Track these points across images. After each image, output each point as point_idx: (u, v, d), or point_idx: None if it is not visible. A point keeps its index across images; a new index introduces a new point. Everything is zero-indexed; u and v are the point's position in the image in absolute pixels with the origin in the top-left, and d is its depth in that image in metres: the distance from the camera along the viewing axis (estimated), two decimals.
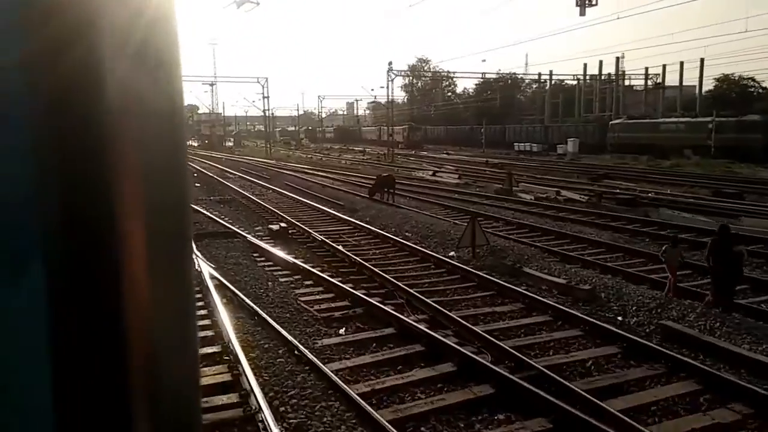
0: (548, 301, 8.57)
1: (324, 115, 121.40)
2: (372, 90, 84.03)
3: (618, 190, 21.45)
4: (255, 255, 11.76)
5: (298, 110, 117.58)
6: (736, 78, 65.50)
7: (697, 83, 64.18)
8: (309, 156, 52.62)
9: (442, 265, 11.17)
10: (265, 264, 11.02)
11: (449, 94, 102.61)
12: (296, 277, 10.10)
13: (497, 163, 38.20)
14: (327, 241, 12.77)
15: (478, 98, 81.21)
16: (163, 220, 0.50)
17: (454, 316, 7.98)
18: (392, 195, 20.10)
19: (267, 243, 12.82)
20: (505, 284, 9.52)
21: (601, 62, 66.24)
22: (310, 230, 14.22)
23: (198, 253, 10.86)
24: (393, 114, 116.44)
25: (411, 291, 9.06)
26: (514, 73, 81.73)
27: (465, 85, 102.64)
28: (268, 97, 49.63)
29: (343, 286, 9.30)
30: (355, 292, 8.98)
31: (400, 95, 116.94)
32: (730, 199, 18.92)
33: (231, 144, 79.41)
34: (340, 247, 12.12)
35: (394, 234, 14.08)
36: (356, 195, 21.88)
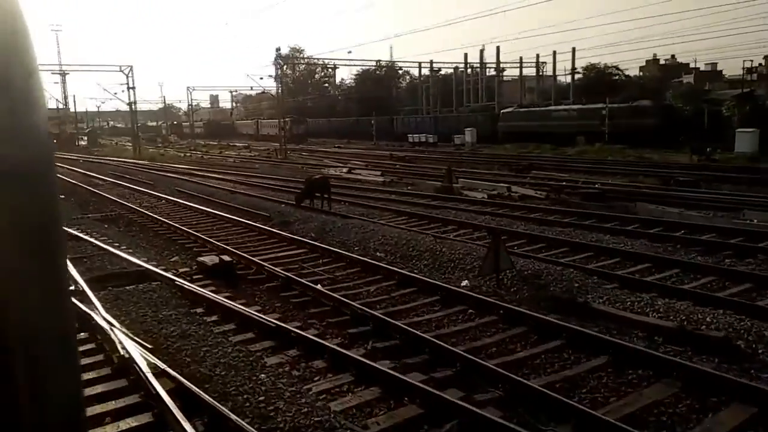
0: (681, 362, 5.92)
1: (184, 110, 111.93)
2: (261, 78, 78.03)
3: (578, 184, 19.75)
4: (199, 311, 7.91)
5: (164, 102, 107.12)
6: (602, 66, 69.00)
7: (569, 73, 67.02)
8: (185, 154, 46.78)
9: (465, 300, 8.19)
10: (228, 330, 7.24)
11: (326, 85, 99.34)
12: (293, 354, 6.47)
13: (403, 157, 35.87)
14: (294, 277, 9.21)
15: (359, 89, 78.52)
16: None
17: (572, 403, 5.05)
18: (329, 201, 16.70)
19: (206, 287, 8.97)
20: (580, 330, 6.76)
21: (482, 51, 66.73)
22: (253, 258, 10.51)
23: (112, 321, 6.88)
24: (266, 107, 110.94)
25: (487, 364, 5.96)
26: (393, 62, 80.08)
27: (341, 75, 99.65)
28: (134, 88, 43.13)
29: (400, 376, 5.83)
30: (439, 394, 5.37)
31: (271, 86, 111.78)
32: (690, 188, 17.92)
33: (85, 143, 70.01)
34: (319, 287, 8.65)
35: (366, 255, 10.84)
36: (276, 201, 18.13)
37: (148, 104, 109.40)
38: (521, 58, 69.11)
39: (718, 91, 59.70)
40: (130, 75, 42.58)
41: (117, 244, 12.57)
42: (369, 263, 10.13)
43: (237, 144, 60.70)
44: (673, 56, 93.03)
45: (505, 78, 72.82)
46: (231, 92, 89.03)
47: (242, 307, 7.62)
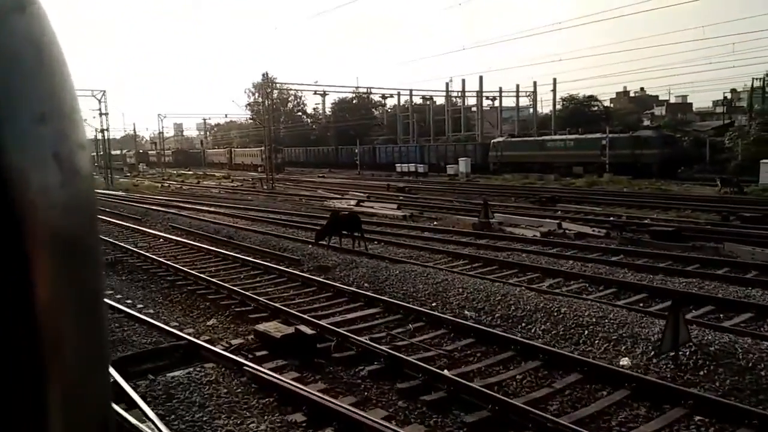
0: None
1: (149, 138, 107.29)
2: (247, 105, 75.15)
3: (623, 218, 17.90)
4: (300, 420, 5.45)
5: (135, 130, 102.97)
6: (581, 97, 69.17)
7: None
8: (162, 184, 43.64)
9: (639, 386, 6.02)
10: None
11: (299, 113, 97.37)
12: None
13: (403, 188, 33.81)
14: (401, 356, 6.85)
15: (336, 118, 76.56)
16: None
17: None
18: (363, 240, 14.43)
19: (285, 372, 6.56)
20: None
21: (464, 81, 65.87)
22: (322, 323, 8.12)
23: None
24: (236, 135, 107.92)
25: None
26: (370, 89, 78.12)
27: (313, 105, 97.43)
28: (106, 114, 40.00)
29: None
30: None
31: (242, 115, 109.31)
32: (756, 224, 16.28)
33: None
34: (451, 375, 6.31)
35: (459, 316, 8.60)
36: (294, 240, 15.75)
37: (112, 132, 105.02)
38: (501, 88, 68.70)
39: (691, 122, 60.26)
40: (102, 100, 39.57)
41: (129, 301, 9.98)
42: (480, 330, 7.85)
43: (215, 174, 57.66)
44: (642, 89, 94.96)
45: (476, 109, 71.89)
46: (204, 119, 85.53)
47: (370, 418, 5.21)
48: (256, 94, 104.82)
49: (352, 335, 7.59)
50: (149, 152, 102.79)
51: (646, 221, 17.62)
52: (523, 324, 8.42)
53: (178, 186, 41.14)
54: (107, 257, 14.02)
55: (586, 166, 39.46)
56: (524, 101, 71.27)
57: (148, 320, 8.53)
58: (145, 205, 26.71)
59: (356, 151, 57.23)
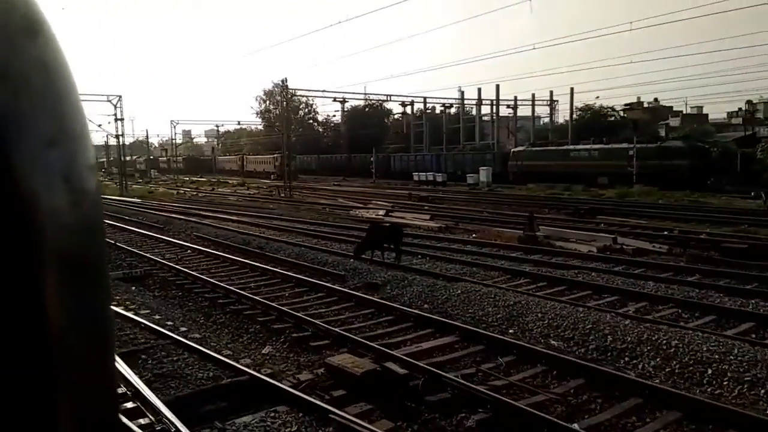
0: None
1: (157, 144, 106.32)
2: (258, 113, 74.16)
3: (675, 233, 16.78)
4: None
5: (147, 136, 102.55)
6: (597, 107, 68.23)
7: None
8: (178, 192, 42.71)
9: None
10: None
11: (310, 121, 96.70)
12: None
13: (426, 197, 32.79)
14: (512, 403, 5.79)
15: (350, 126, 75.63)
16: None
17: None
18: (398, 253, 13.43)
19: (373, 419, 5.51)
20: None
21: (479, 90, 64.98)
22: (400, 356, 7.07)
23: None
24: (246, 143, 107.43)
25: None
26: (382, 100, 77.22)
27: (326, 113, 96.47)
28: (122, 119, 39.15)
29: None
30: None
31: (253, 122, 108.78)
32: None
33: None
34: (576, 428, 5.25)
35: (545, 346, 7.55)
36: (331, 253, 14.73)
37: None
38: (516, 97, 67.70)
39: (711, 133, 59.18)
40: (118, 105, 38.71)
41: (170, 323, 8.95)
42: (590, 368, 6.77)
43: (228, 181, 56.81)
44: (656, 99, 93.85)
45: (487, 118, 70.73)
46: (216, 126, 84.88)
47: None
48: (268, 102, 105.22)
49: (440, 372, 6.53)
50: (160, 158, 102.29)
51: (702, 236, 16.51)
52: (626, 359, 7.34)
53: (194, 193, 40.22)
54: (137, 271, 13.01)
55: (612, 176, 38.41)
56: (538, 111, 70.28)
57: (198, 348, 7.49)
58: (164, 213, 25.77)
59: (371, 159, 56.20)
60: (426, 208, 27.66)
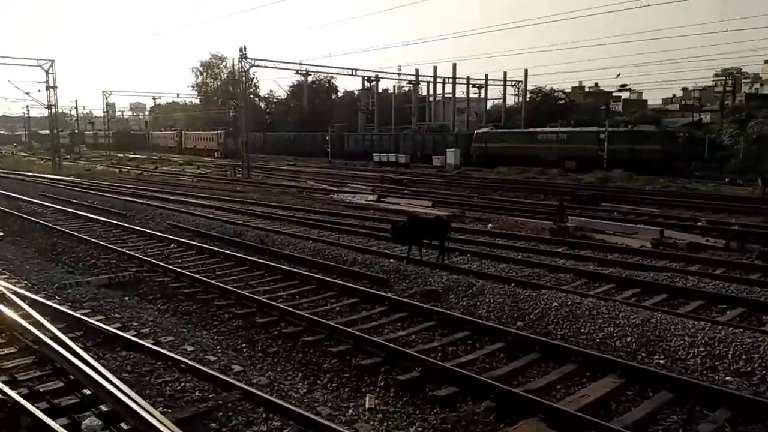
0: None
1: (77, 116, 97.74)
2: (193, 86, 68.42)
3: (723, 226, 15.58)
4: None
5: (77, 107, 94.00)
6: (548, 90, 68.13)
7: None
8: (120, 170, 38.45)
9: None
10: None
11: (251, 96, 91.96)
12: None
13: (400, 180, 30.73)
14: None
15: (298, 102, 72.01)
16: None
17: None
18: (443, 252, 11.42)
19: None
20: None
21: (435, 68, 62.96)
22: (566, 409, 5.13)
23: None
24: (181, 117, 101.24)
25: None
26: (348, 74, 73.19)
27: (270, 87, 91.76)
28: (55, 88, 34.49)
29: None
30: None
31: (188, 95, 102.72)
32: None
33: None
34: None
35: (723, 385, 5.86)
36: (349, 248, 12.52)
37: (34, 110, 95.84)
38: (468, 77, 66.22)
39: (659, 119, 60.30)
40: (51, 71, 34.00)
41: (211, 357, 6.55)
42: None
43: (171, 159, 52.51)
44: (596, 84, 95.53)
45: (438, 98, 68.96)
46: (154, 98, 79.12)
47: None
48: (205, 74, 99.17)
49: None
50: (86, 132, 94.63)
51: (734, 226, 15.45)
52: None
53: (138, 172, 36.28)
54: (123, 275, 10.32)
55: (580, 160, 37.74)
56: (489, 93, 69.17)
57: (282, 406, 5.19)
58: (117, 196, 22.45)
59: (327, 138, 53.42)
60: (405, 192, 25.73)
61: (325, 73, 46.67)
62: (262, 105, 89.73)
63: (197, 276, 10.03)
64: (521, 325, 8.00)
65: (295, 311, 8.13)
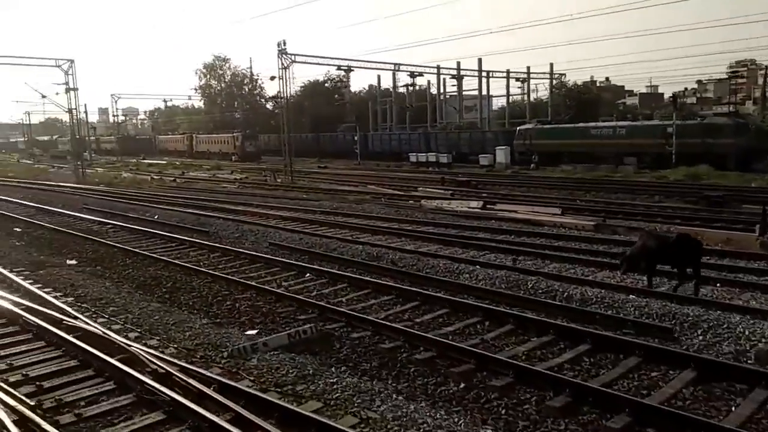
0: None
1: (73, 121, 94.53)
2: (197, 88, 65.59)
3: None
4: None
5: (76, 110, 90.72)
6: (571, 85, 65.95)
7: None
8: (151, 177, 35.35)
9: None
10: None
11: (257, 97, 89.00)
12: None
13: (468, 181, 27.99)
14: None
15: (310, 102, 69.10)
16: None
17: None
18: (698, 280, 8.67)
19: None
20: None
21: (459, 63, 60.21)
22: None
23: None
24: (182, 121, 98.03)
25: None
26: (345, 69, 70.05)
27: (276, 89, 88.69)
28: (76, 89, 31.48)
29: None
30: None
31: (186, 97, 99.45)
32: None
33: None
34: None
35: None
36: (534, 274, 9.77)
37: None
38: (489, 72, 63.47)
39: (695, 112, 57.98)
40: (70, 72, 30.97)
41: None
42: None
43: (193, 164, 49.49)
44: (607, 78, 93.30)
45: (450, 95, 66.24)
46: (165, 101, 76.00)
47: None
48: (209, 76, 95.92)
49: None
50: (90, 138, 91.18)
51: None
52: None
53: (171, 179, 33.29)
54: (303, 329, 7.48)
55: (641, 156, 35.24)
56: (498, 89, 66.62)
57: None
58: (175, 208, 19.57)
59: (355, 138, 50.55)
60: (484, 195, 23.01)
61: (367, 68, 43.75)
62: (269, 106, 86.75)
63: (405, 329, 7.21)
64: None
65: (584, 383, 5.37)
